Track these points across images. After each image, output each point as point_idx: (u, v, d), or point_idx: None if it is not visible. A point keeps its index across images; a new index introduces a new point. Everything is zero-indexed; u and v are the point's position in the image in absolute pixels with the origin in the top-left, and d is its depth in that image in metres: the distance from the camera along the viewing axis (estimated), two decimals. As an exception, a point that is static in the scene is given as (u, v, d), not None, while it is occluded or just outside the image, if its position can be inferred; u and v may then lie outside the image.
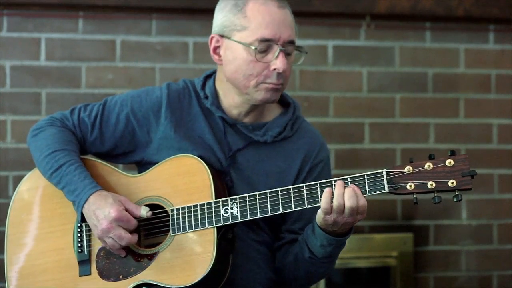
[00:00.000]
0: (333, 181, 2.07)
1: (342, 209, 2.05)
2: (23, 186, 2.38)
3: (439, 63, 3.71)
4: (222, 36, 2.26)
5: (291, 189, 2.11)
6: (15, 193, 2.38)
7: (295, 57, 2.27)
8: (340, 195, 2.06)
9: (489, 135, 3.74)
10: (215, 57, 2.29)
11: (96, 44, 3.48)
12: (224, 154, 2.29)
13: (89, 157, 2.36)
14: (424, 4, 3.62)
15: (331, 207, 2.06)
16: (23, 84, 3.43)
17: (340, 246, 2.18)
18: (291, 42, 2.23)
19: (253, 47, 2.20)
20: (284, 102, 2.40)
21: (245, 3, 2.22)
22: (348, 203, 2.05)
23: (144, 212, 2.19)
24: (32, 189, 2.36)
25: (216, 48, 2.28)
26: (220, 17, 2.26)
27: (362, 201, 2.06)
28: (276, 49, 2.20)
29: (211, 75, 2.39)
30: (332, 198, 2.06)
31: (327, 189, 2.06)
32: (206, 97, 2.34)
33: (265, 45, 2.20)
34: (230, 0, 2.25)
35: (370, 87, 3.66)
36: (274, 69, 2.21)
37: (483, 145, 3.74)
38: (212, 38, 2.29)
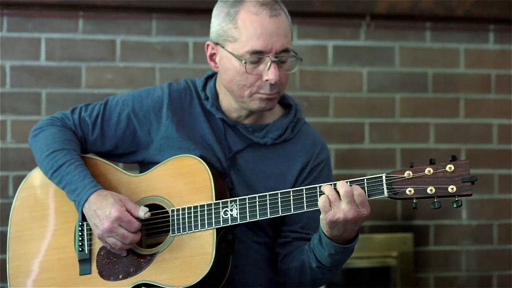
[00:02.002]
0: (332, 185, 2.06)
1: (337, 198, 2.02)
2: (26, 184, 2.39)
3: (439, 63, 3.71)
4: (216, 44, 2.25)
5: (291, 192, 2.10)
6: (18, 191, 2.39)
7: (291, 63, 2.25)
8: (332, 190, 2.04)
9: (489, 135, 3.74)
10: (212, 63, 2.29)
11: (96, 44, 3.48)
12: (225, 155, 2.29)
13: (91, 155, 2.37)
14: (424, 4, 3.62)
15: (329, 203, 2.03)
16: (23, 84, 3.43)
17: (349, 253, 2.15)
18: (285, 51, 2.21)
19: (243, 61, 2.19)
20: (285, 104, 2.40)
21: (237, 12, 2.20)
22: (342, 190, 2.01)
23: (142, 213, 2.19)
24: (35, 187, 2.37)
25: (212, 55, 2.28)
26: (215, 24, 2.25)
27: (358, 189, 2.02)
28: (267, 60, 2.19)
29: (213, 75, 2.39)
30: (329, 199, 2.05)
31: (323, 196, 2.04)
32: (207, 98, 2.34)
33: (256, 57, 2.19)
34: (224, 7, 2.23)
35: (370, 87, 3.66)
36: (267, 80, 2.20)
37: (483, 145, 3.73)
38: (208, 45, 2.28)
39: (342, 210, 2.02)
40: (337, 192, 2.03)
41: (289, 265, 2.28)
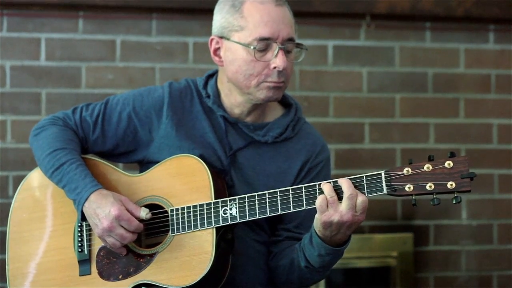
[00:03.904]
0: (331, 182, 2.06)
1: (335, 199, 2.02)
2: (25, 185, 2.39)
3: (439, 63, 3.71)
4: (221, 37, 2.26)
5: (290, 190, 2.10)
6: (17, 192, 2.38)
7: (296, 54, 2.27)
8: (331, 191, 2.03)
9: (489, 135, 3.74)
10: (216, 58, 2.29)
11: (96, 44, 3.48)
12: (225, 153, 2.29)
13: (90, 156, 2.37)
14: (424, 4, 3.62)
15: (327, 203, 2.03)
16: (23, 84, 3.43)
17: (338, 256, 2.16)
18: (291, 40, 2.23)
19: (252, 47, 2.20)
20: (286, 103, 2.40)
21: (242, 2, 2.22)
22: (348, 192, 2.01)
23: (144, 213, 2.19)
24: (34, 189, 2.37)
25: (216, 50, 2.29)
26: (219, 19, 2.26)
27: (362, 197, 2.03)
28: (275, 47, 2.20)
29: (213, 74, 2.39)
30: (327, 200, 2.04)
31: (321, 195, 2.04)
32: (208, 96, 2.35)
33: (264, 44, 2.20)
34: (228, 1, 2.24)
35: (370, 87, 3.66)
36: (275, 67, 2.21)
37: (483, 145, 3.74)
38: (211, 40, 2.29)
39: (340, 212, 2.03)
40: (337, 193, 2.03)
41: (279, 263, 2.29)
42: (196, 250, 2.15)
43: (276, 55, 2.20)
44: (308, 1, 3.53)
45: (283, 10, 2.23)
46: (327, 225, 2.06)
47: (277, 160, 2.31)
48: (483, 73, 3.74)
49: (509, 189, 3.73)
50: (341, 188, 2.04)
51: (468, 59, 3.72)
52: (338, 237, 2.09)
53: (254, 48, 2.20)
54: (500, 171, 3.74)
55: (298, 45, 2.25)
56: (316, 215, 2.07)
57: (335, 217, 2.03)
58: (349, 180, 2.04)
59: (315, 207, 2.07)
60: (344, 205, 2.02)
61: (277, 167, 2.31)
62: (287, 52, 2.23)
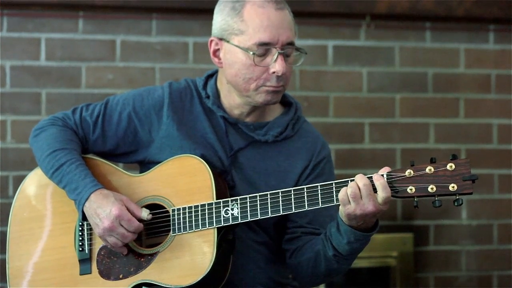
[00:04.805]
0: (333, 184, 2.07)
1: (358, 194, 2.01)
2: (25, 185, 2.39)
3: (439, 63, 3.71)
4: (221, 39, 2.26)
5: (292, 191, 2.10)
6: (17, 192, 2.39)
7: (295, 58, 2.26)
8: (354, 185, 2.02)
9: (489, 135, 3.74)
10: (215, 59, 2.29)
11: (96, 44, 3.48)
12: (226, 153, 2.29)
13: (91, 156, 2.37)
14: (424, 4, 3.62)
15: (348, 197, 2.02)
16: (23, 84, 3.43)
17: (366, 242, 2.14)
18: (290, 44, 2.22)
19: (251, 52, 2.19)
20: (285, 102, 2.40)
21: (242, 5, 2.21)
22: (361, 183, 2.00)
23: (145, 214, 2.19)
24: (34, 188, 2.37)
25: (215, 51, 2.28)
26: (219, 20, 2.25)
27: (383, 193, 2.00)
28: (274, 52, 2.20)
29: (213, 74, 2.39)
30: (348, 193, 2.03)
31: (343, 188, 2.03)
32: (208, 97, 2.35)
33: (264, 49, 2.20)
34: (228, 2, 2.24)
35: (370, 87, 3.66)
36: (274, 72, 2.20)
37: (483, 145, 3.74)
38: (211, 41, 2.29)
39: (361, 205, 2.01)
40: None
41: (301, 258, 2.27)
42: (197, 250, 2.15)
43: (276, 60, 2.20)
44: (308, 1, 3.53)
45: (283, 14, 2.22)
46: (351, 217, 2.05)
47: (278, 159, 2.32)
48: (483, 73, 3.74)
49: (509, 189, 3.73)
50: None
51: (468, 59, 3.72)
52: (364, 226, 2.08)
53: (254, 53, 2.20)
54: (500, 171, 3.74)
55: (298, 49, 2.25)
56: (340, 208, 2.06)
57: (357, 211, 2.02)
58: (360, 174, 2.03)
59: (316, 208, 2.08)
60: (363, 197, 2.01)
61: (278, 166, 2.31)
62: (286, 55, 2.22)
